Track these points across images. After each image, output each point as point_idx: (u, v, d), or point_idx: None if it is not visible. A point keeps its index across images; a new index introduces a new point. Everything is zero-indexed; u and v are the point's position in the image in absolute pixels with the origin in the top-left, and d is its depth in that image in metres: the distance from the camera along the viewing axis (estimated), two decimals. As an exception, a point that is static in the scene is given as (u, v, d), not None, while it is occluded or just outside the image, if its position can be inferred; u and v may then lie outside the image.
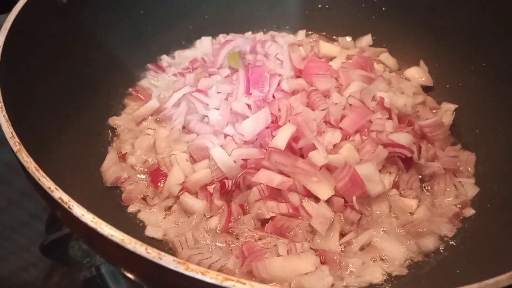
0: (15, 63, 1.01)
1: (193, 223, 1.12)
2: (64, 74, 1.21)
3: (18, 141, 0.83)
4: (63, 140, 1.13)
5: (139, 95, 1.43)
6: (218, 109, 1.31)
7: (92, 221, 0.73)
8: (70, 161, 1.12)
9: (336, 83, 1.36)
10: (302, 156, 1.16)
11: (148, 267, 0.70)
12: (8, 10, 1.06)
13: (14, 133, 0.84)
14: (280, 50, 1.50)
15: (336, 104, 1.27)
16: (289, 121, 1.21)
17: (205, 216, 1.15)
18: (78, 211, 0.74)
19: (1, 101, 0.90)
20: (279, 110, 1.25)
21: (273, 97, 1.34)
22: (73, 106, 1.22)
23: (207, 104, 1.34)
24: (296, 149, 1.17)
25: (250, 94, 1.33)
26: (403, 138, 1.16)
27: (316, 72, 1.38)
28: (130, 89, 1.45)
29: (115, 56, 1.42)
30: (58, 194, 0.76)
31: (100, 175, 1.21)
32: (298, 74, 1.43)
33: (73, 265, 1.26)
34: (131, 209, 1.16)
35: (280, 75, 1.39)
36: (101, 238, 0.72)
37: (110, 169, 1.21)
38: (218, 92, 1.37)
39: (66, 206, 0.75)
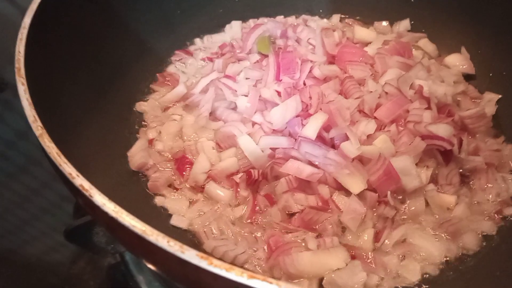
0: (41, 46, 0.99)
1: (218, 213, 1.09)
2: (91, 57, 1.19)
3: (41, 125, 0.81)
4: (88, 125, 1.11)
5: (166, 81, 1.40)
6: (247, 96, 1.26)
7: (113, 210, 0.70)
8: (95, 146, 1.11)
9: (371, 70, 1.29)
10: (333, 147, 1.11)
11: (170, 260, 0.67)
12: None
13: (37, 117, 0.82)
14: (312, 34, 1.44)
15: (371, 92, 1.20)
16: (321, 109, 1.15)
17: (230, 206, 1.11)
18: (100, 199, 0.71)
19: (25, 84, 0.88)
20: (310, 97, 1.19)
21: (304, 84, 1.28)
22: (100, 90, 1.21)
23: (235, 91, 1.29)
24: (327, 139, 1.12)
25: (280, 80, 1.27)
26: (443, 129, 1.08)
27: (350, 59, 1.30)
28: (158, 75, 1.42)
29: (143, 40, 1.39)
30: (79, 181, 0.74)
31: (125, 162, 1.19)
32: (331, 60, 1.36)
33: (97, 251, 1.26)
34: (156, 197, 1.14)
35: (311, 61, 1.32)
36: (123, 228, 0.69)
37: (138, 154, 1.19)
38: (246, 78, 1.32)
39: (87, 194, 0.72)
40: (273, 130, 1.17)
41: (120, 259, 1.25)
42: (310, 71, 1.29)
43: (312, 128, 1.09)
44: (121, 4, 1.30)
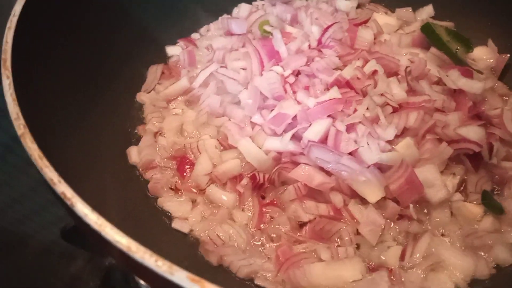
0: (32, 36, 0.90)
1: (222, 218, 1.00)
2: (89, 47, 1.10)
3: (23, 123, 0.73)
4: (85, 120, 1.04)
5: (169, 72, 1.30)
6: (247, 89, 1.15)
7: (96, 222, 0.62)
8: (92, 143, 1.03)
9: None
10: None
11: (157, 280, 0.59)
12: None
13: (20, 114, 0.74)
14: (325, 18, 1.29)
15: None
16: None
17: (234, 210, 1.02)
18: (81, 209, 0.64)
19: (10, 77, 0.80)
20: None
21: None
22: (98, 82, 1.12)
23: (235, 80, 1.17)
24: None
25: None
26: (474, 132, 0.96)
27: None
28: (162, 66, 1.32)
29: (144, 28, 1.29)
30: (61, 188, 0.66)
31: (125, 159, 1.12)
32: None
33: (97, 251, 1.19)
34: (158, 200, 1.06)
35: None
36: (106, 243, 0.62)
37: (144, 150, 1.11)
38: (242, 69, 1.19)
39: (69, 203, 0.64)
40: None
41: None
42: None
43: (315, 130, 0.99)
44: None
